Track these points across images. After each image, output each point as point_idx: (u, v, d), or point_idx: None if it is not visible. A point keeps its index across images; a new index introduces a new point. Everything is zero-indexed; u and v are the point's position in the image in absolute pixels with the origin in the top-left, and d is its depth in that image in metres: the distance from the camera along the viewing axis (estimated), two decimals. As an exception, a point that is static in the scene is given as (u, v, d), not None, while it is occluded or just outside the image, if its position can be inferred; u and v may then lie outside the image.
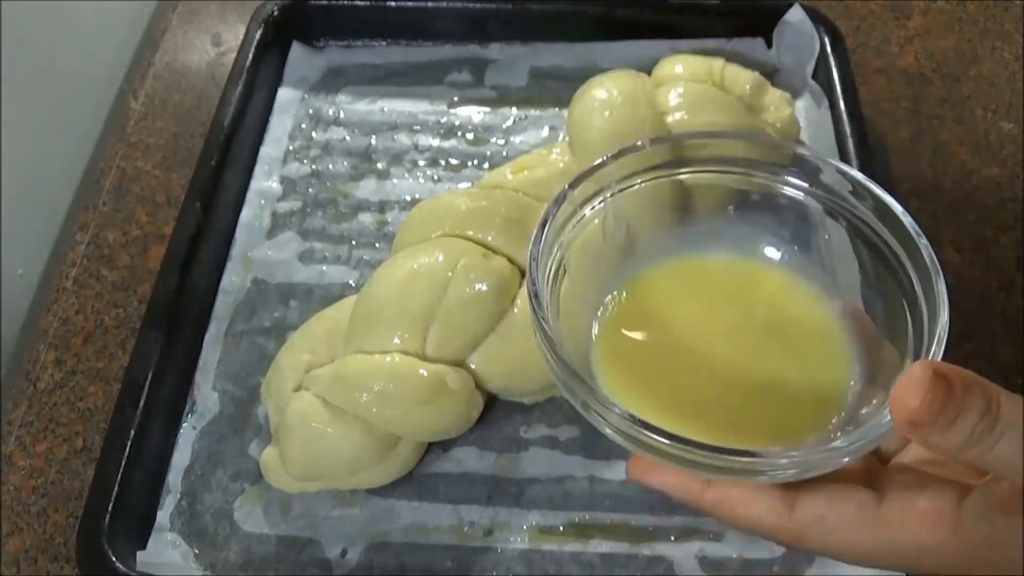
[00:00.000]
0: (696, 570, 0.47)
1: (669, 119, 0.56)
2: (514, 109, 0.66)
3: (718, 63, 0.60)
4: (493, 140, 0.64)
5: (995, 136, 0.64)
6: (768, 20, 0.64)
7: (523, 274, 0.52)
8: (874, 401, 0.36)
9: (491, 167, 0.62)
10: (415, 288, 0.49)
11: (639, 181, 0.42)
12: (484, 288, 0.49)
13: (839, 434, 0.35)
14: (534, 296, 0.36)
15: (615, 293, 0.42)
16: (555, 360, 0.35)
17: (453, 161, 0.63)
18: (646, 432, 0.32)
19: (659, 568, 0.47)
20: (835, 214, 0.41)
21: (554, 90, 0.66)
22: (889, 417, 0.31)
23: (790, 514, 0.33)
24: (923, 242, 0.37)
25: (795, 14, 0.63)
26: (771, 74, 0.63)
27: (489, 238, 0.52)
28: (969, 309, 0.56)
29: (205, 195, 0.58)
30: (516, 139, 0.64)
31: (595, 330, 0.40)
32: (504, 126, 0.65)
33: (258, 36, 0.66)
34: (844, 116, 0.59)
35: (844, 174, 0.40)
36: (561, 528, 0.48)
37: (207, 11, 0.76)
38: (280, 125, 0.66)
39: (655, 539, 0.48)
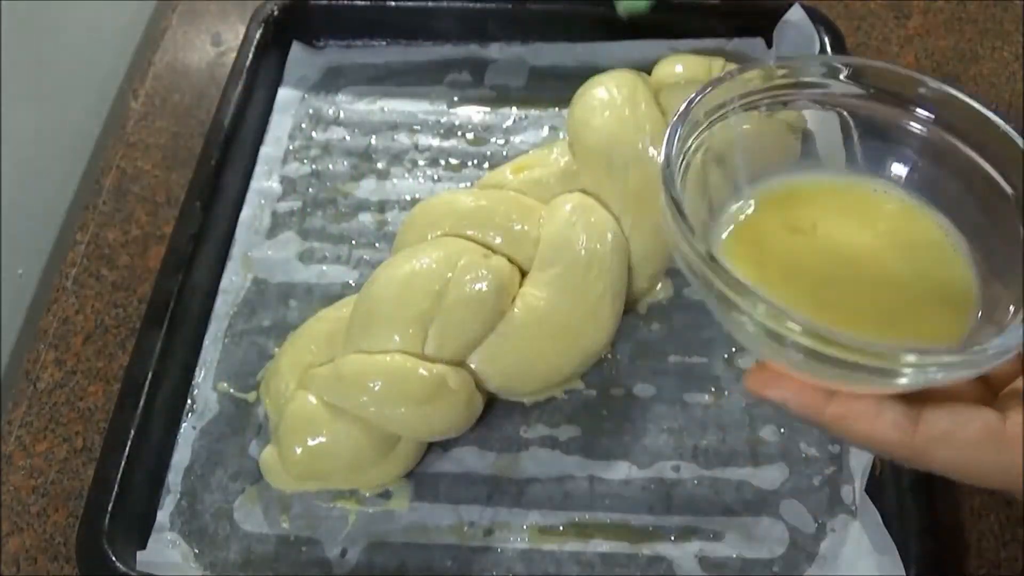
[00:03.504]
0: (696, 570, 0.47)
1: (669, 119, 0.56)
2: (514, 109, 0.66)
3: (718, 63, 0.60)
4: (493, 140, 0.64)
5: (995, 136, 0.64)
6: (768, 20, 0.64)
7: (523, 274, 0.52)
8: (1010, 308, 0.34)
9: (491, 167, 0.62)
10: (415, 288, 0.49)
11: (762, 102, 0.41)
12: (484, 288, 0.49)
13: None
14: (669, 181, 0.35)
15: (742, 202, 0.40)
16: (692, 249, 0.33)
17: (453, 161, 0.63)
18: (792, 324, 0.31)
19: (659, 568, 0.47)
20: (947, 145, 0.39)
21: (554, 90, 0.65)
22: None
23: (915, 429, 0.32)
24: None
25: (795, 14, 0.63)
26: (771, 74, 0.63)
27: (489, 238, 0.52)
28: (969, 309, 0.56)
29: (205, 195, 0.58)
30: (516, 139, 0.64)
31: (723, 236, 0.39)
32: (504, 126, 0.65)
33: (258, 36, 0.66)
34: (844, 116, 0.59)
35: (970, 109, 0.38)
36: (561, 528, 0.48)
37: (207, 11, 0.76)
38: (280, 125, 0.66)
39: (655, 539, 0.48)
